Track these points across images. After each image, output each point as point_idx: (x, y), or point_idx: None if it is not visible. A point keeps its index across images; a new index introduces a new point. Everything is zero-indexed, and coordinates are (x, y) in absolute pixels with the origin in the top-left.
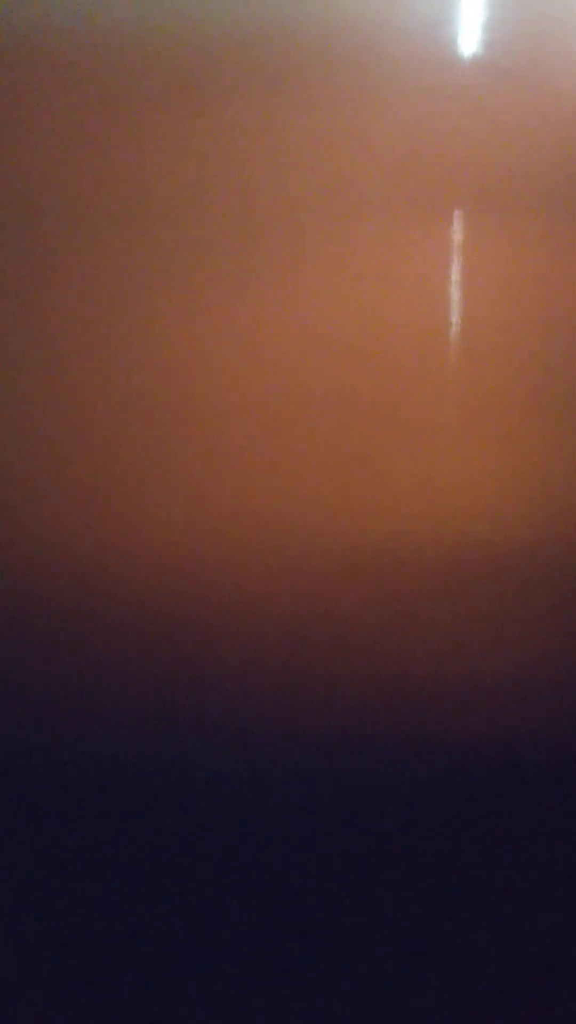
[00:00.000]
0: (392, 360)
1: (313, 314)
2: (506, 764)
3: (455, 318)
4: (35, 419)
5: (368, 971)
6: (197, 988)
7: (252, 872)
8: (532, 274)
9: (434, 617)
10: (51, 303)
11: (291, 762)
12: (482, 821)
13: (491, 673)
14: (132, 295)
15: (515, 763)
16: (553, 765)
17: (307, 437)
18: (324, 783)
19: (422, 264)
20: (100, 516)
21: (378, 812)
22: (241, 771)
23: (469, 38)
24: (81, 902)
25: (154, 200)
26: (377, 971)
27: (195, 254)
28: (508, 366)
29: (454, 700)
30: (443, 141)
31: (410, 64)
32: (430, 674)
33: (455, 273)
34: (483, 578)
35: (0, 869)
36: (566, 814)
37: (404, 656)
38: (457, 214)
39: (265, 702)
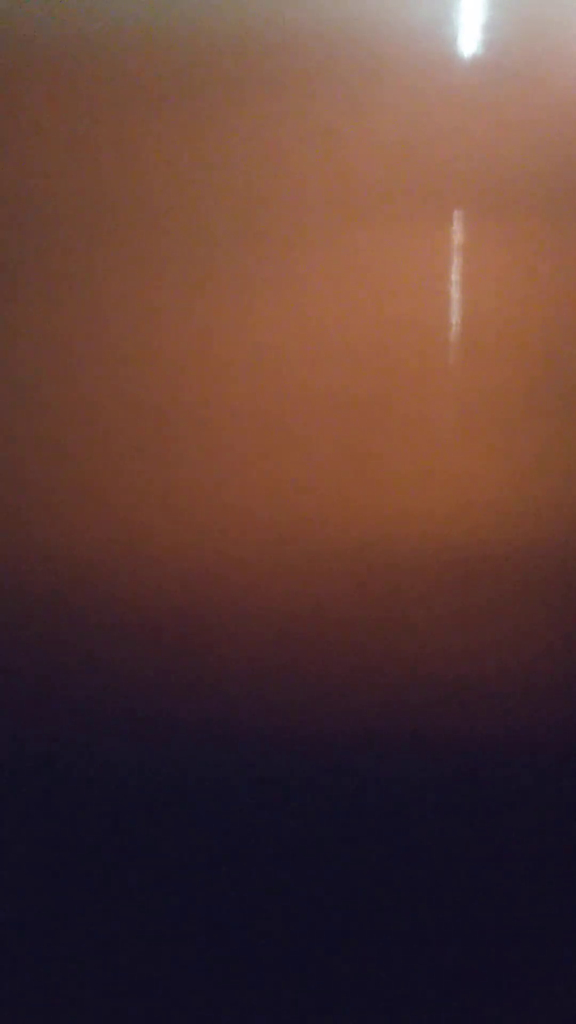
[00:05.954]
0: (392, 360)
1: (313, 314)
2: (506, 764)
3: (455, 317)
4: (37, 419)
5: (369, 972)
6: (198, 989)
7: (252, 872)
8: (532, 274)
9: (434, 615)
10: (53, 306)
11: (290, 762)
12: (482, 821)
13: (490, 671)
14: (131, 295)
15: (516, 763)
16: (554, 765)
17: (307, 436)
18: (324, 782)
19: (422, 263)
20: (100, 514)
21: (377, 811)
22: (240, 770)
23: (469, 38)
24: (80, 904)
25: (154, 201)
26: (378, 972)
27: (195, 254)
28: (508, 365)
29: (454, 699)
30: (443, 141)
31: (410, 64)
32: (428, 671)
33: (455, 272)
34: (483, 576)
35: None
36: (566, 814)
37: (403, 654)
38: (457, 214)
39: (264, 701)
